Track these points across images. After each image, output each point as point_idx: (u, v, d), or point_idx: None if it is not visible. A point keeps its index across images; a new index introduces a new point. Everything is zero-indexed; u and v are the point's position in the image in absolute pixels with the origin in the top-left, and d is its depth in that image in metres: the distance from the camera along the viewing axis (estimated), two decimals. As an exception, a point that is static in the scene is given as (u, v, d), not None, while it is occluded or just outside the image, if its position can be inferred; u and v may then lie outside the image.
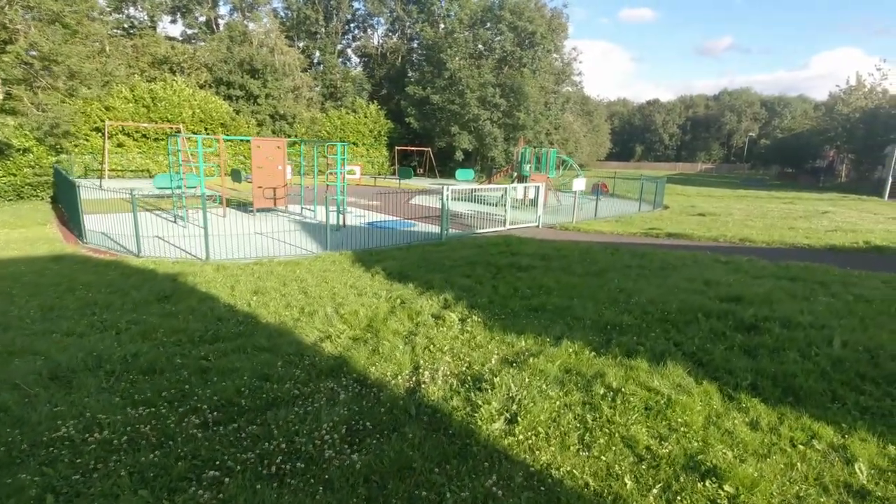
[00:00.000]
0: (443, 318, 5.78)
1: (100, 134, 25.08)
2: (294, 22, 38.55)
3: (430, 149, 33.68)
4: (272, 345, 4.95)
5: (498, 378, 4.08)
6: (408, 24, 40.09)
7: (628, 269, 8.37)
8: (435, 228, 13.74)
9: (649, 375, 4.12)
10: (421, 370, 4.36)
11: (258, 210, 16.37)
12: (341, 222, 14.35)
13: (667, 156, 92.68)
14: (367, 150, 37.09)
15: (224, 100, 30.47)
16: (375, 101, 37.80)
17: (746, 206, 21.86)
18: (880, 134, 34.53)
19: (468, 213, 16.97)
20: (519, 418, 3.49)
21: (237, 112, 30.47)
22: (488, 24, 33.16)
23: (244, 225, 13.54)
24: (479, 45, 33.96)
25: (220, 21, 38.95)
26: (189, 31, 37.31)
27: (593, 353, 4.67)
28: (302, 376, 4.26)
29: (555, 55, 35.78)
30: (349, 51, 43.55)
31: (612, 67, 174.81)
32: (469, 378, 4.17)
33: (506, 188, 14.63)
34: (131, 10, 33.69)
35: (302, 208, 17.30)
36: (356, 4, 41.13)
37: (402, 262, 9.18)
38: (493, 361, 4.54)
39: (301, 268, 8.77)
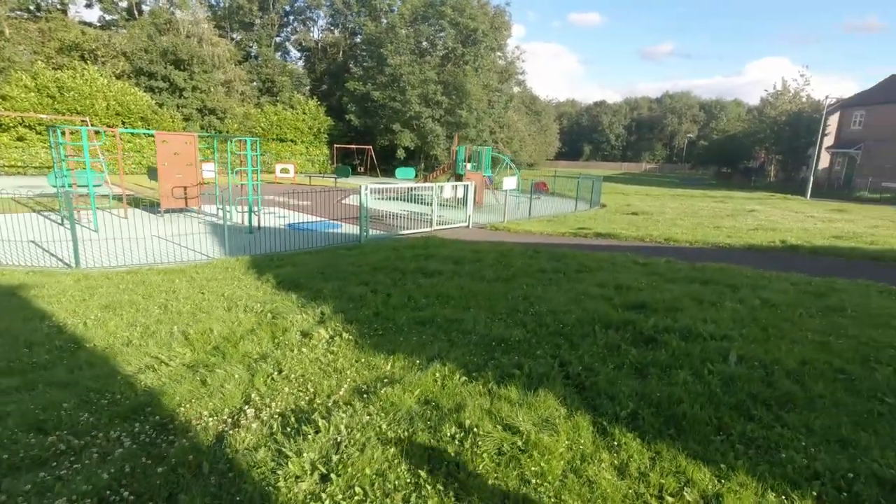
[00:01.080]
0: (311, 335, 4.98)
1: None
2: (227, 12, 36.44)
3: (371, 147, 32.61)
4: (73, 379, 3.99)
5: (330, 417, 3.32)
6: (349, 17, 38.76)
7: (542, 274, 7.84)
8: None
9: (514, 408, 3.47)
10: (248, 407, 3.55)
11: (166, 211, 14.96)
12: (255, 224, 13.25)
13: (613, 155, 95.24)
14: (307, 147, 35.58)
15: (146, 92, 28.25)
16: (315, 97, 36.29)
17: (680, 204, 22.20)
18: (804, 136, 36.36)
19: (402, 213, 16.18)
20: (334, 475, 2.74)
21: (160, 105, 28.31)
22: (430, 20, 32.43)
23: (145, 228, 12.25)
24: (423, 42, 33.23)
25: (145, 7, 36.31)
26: (108, 17, 34.52)
27: (464, 379, 3.99)
28: (88, 422, 3.35)
29: (498, 53, 35.52)
30: (288, 44, 41.69)
31: (562, 69, 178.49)
32: (296, 417, 3.38)
33: (433, 187, 13.93)
34: (40, -8, 30.74)
35: (218, 209, 15.95)
36: (294, -5, 39.45)
37: (301, 269, 8.31)
38: (342, 392, 3.78)
39: (182, 276, 7.74)
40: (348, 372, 4.17)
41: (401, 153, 32.81)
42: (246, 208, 13.77)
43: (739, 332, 4.94)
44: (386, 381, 3.96)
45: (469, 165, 20.40)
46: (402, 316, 5.61)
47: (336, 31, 40.88)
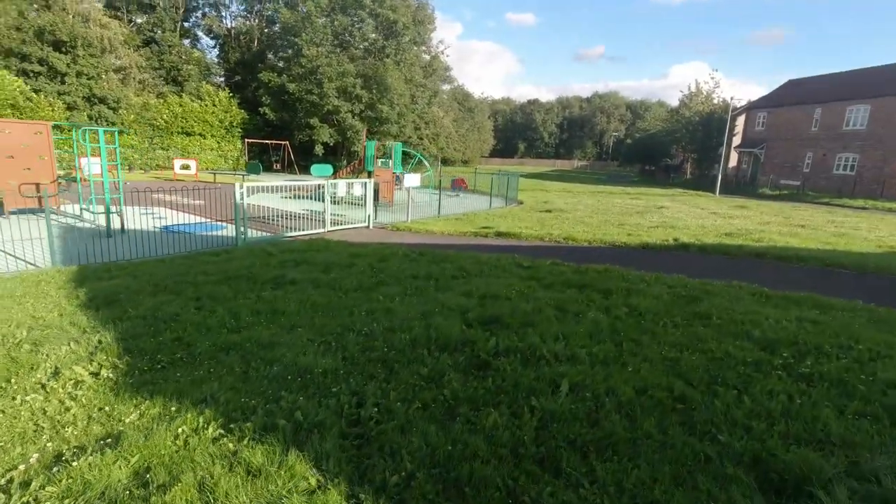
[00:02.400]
0: (62, 374, 3.85)
1: None
2: (124, -9, 33.08)
3: (287, 142, 30.75)
4: None
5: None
6: (265, 3, 36.43)
7: (412, 281, 7.03)
8: (253, 232, 11.69)
9: (245, 480, 2.56)
10: None
11: (12, 212, 12.86)
12: (116, 225, 11.60)
13: (547, 153, 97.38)
14: (218, 142, 33.06)
15: (18, 76, 24.92)
16: (226, 88, 33.81)
17: (596, 201, 22.34)
18: (715, 136, 38.29)
19: (302, 212, 14.86)
20: None
21: (36, 91, 25.08)
22: (349, 10, 30.98)
23: None
24: (343, 34, 31.71)
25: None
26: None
27: (219, 432, 3.05)
28: None
29: (423, 48, 34.63)
30: (198, 31, 38.60)
31: (500, 68, 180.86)
32: None
33: (325, 185, 12.82)
34: None
35: (82, 209, 13.95)
36: (204, -23, 36.53)
37: (135, 280, 7.03)
38: (32, 462, 2.72)
39: None
40: (69, 429, 3.11)
41: (319, 149, 31.18)
42: (116, 208, 12.03)
43: (589, 352, 4.32)
44: (109, 441, 2.94)
45: (380, 162, 19.43)
46: (205, 342, 4.57)
47: (251, 19, 38.35)
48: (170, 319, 5.23)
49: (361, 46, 31.62)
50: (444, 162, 64.82)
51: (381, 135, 31.36)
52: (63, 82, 25.77)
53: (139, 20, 34.90)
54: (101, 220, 12.49)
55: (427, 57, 35.59)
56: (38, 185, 13.12)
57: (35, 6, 26.94)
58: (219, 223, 13.13)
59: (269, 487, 2.53)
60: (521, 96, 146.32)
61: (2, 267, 7.88)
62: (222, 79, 38.32)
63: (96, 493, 2.50)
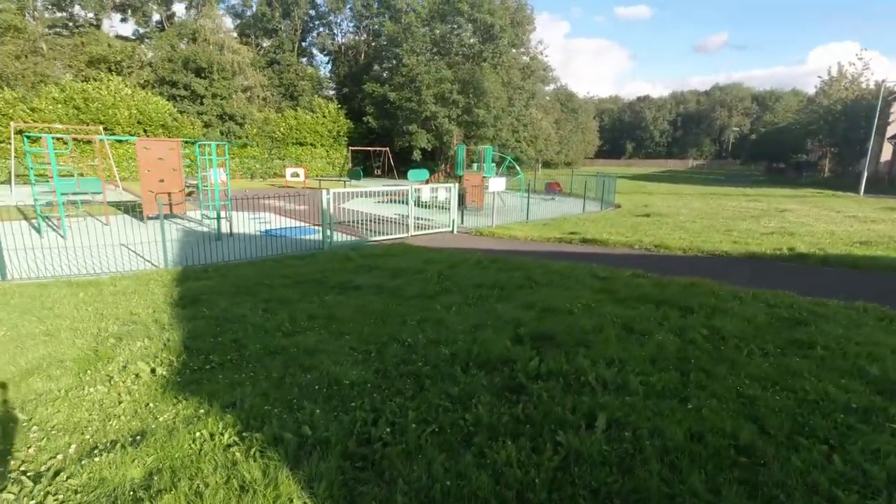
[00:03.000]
0: (128, 368, 4.24)
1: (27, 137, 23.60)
2: (251, 20, 37.02)
3: (387, 148, 32.09)
4: None
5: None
6: (370, 18, 38.47)
7: (476, 290, 6.81)
8: (341, 236, 12.36)
9: (232, 496, 2.54)
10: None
11: (149, 217, 14.86)
12: (226, 230, 12.85)
13: (658, 152, 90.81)
14: (327, 150, 35.54)
15: (168, 100, 28.96)
16: (335, 100, 36.22)
17: (705, 204, 20.21)
18: (862, 126, 32.73)
19: (394, 217, 15.30)
20: None
21: (181, 112, 28.95)
22: (447, 17, 31.52)
23: (118, 235, 12.00)
24: (441, 41, 32.37)
25: (178, 20, 37.45)
26: (141, 31, 35.84)
27: (234, 439, 3.10)
28: None
29: (521, 50, 34.12)
30: (313, 49, 41.94)
31: (609, 65, 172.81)
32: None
33: (408, 191, 13.04)
34: (76, 9, 32.23)
35: (202, 215, 15.71)
36: (318, 0, 39.59)
37: (221, 282, 7.68)
38: (63, 456, 2.98)
39: (93, 289, 7.20)
40: (113, 422, 3.38)
41: (417, 154, 32.10)
42: (225, 214, 13.39)
43: (645, 381, 3.77)
44: (137, 438, 3.14)
45: (475, 166, 19.39)
46: (257, 344, 4.78)
47: (360, 34, 40.74)
48: (235, 321, 5.56)
49: (460, 52, 31.96)
50: (546, 165, 63.40)
51: (477, 138, 31.45)
52: (202, 103, 29.50)
53: (265, 44, 38.85)
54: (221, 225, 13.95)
55: (525, 58, 35.00)
56: (169, 194, 15.04)
57: (185, 40, 31.24)
58: (314, 227, 13.97)
59: (251, 506, 2.49)
60: (629, 94, 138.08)
61: (132, 266, 9.05)
62: (333, 91, 41.14)
63: (107, 490, 2.64)
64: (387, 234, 12.86)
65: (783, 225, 13.16)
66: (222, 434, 3.16)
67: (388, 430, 3.16)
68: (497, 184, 13.72)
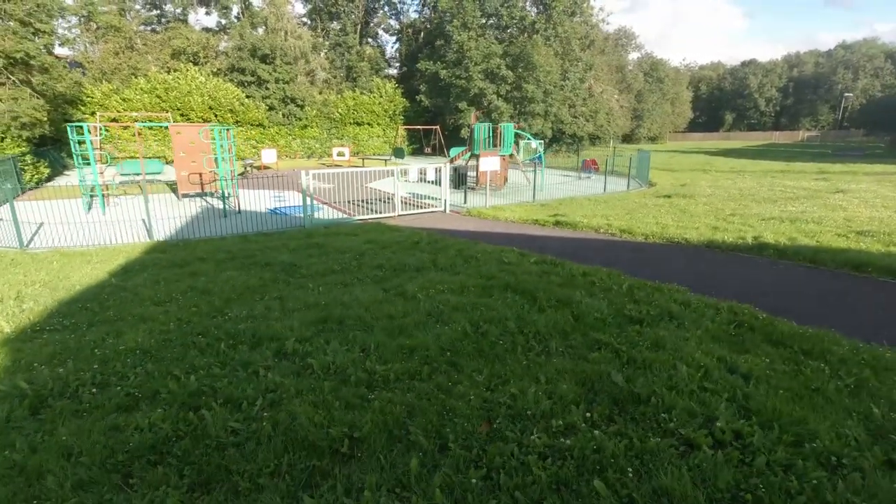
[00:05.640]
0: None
1: (119, 125, 27.13)
2: (319, 3, 38.64)
3: (438, 126, 32.29)
4: None
5: None
6: (432, -4, 38.37)
7: (374, 270, 7.03)
8: (337, 215, 13.04)
9: None
10: None
11: (183, 195, 16.60)
12: (235, 208, 14.05)
13: (763, 123, 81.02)
14: (384, 129, 36.57)
15: (238, 86, 31.48)
16: (393, 80, 36.92)
17: (755, 184, 18.05)
18: None
19: (407, 196, 15.58)
20: None
21: (248, 97, 31.38)
22: (497, -11, 30.60)
23: (156, 210, 13.16)
24: (493, 14, 31.54)
25: (256, 9, 40.14)
26: (223, 22, 38.97)
27: None
28: None
29: (578, 18, 32.19)
30: (379, 30, 42.87)
31: (718, 27, 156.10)
32: None
33: (395, 170, 13.27)
34: (167, 7, 35.82)
35: (228, 195, 17.17)
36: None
37: (173, 256, 8.58)
38: None
39: (81, 259, 8.42)
40: None
41: (465, 132, 31.93)
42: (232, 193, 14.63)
43: (371, 367, 3.81)
44: None
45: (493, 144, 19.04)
46: (110, 312, 5.45)
47: (422, 12, 40.90)
48: (129, 290, 6.29)
49: (512, 25, 30.98)
50: (626, 140, 59.49)
51: (526, 115, 30.54)
52: (266, 88, 31.71)
53: (332, 26, 40.47)
54: (243, 205, 15.23)
55: (585, 27, 32.98)
56: (200, 174, 16.64)
57: (256, 28, 33.61)
58: (318, 205, 14.73)
59: None
60: (733, 59, 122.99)
61: (135, 238, 10.24)
62: (395, 70, 41.88)
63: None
64: (378, 212, 13.27)
65: (804, 209, 11.45)
66: None
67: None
68: (488, 163, 13.46)
